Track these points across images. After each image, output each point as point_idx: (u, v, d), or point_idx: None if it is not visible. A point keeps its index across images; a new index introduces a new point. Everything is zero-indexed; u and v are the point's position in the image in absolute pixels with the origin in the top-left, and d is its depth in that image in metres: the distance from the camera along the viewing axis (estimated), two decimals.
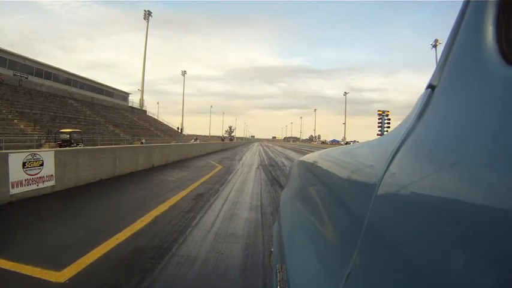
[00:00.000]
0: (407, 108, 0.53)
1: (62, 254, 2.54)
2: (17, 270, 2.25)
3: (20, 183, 4.47)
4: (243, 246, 2.88)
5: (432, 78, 0.41)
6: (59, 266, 2.31)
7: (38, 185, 4.79)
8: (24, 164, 4.57)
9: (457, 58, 0.37)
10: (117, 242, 2.86)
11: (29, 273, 2.21)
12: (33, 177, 4.70)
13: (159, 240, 2.94)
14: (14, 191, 4.35)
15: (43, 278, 2.16)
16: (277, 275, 0.76)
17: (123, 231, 3.14)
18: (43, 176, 4.90)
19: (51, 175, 5.08)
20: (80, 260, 2.42)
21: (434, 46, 35.98)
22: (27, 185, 4.59)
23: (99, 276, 2.21)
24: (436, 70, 0.41)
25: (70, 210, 4.16)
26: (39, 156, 4.83)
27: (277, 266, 0.80)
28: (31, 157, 4.68)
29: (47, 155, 5.05)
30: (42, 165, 4.87)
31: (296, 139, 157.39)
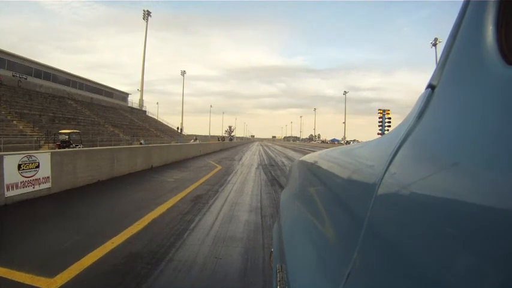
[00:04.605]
0: (407, 108, 0.52)
1: (56, 259, 2.47)
2: (8, 277, 2.18)
3: (15, 186, 4.39)
4: (242, 251, 2.80)
5: (432, 78, 0.41)
6: (52, 272, 2.23)
7: (34, 187, 4.71)
8: (19, 166, 4.49)
9: (457, 58, 0.36)
10: (113, 246, 2.79)
11: (20, 280, 2.14)
12: (29, 179, 4.63)
13: (155, 244, 2.86)
14: (9, 193, 4.27)
15: (35, 285, 2.09)
16: (277, 275, 0.75)
17: (119, 235, 3.07)
18: (39, 178, 4.82)
19: (48, 177, 5.00)
20: (73, 266, 2.35)
21: (434, 45, 35.88)
22: (23, 187, 4.52)
23: (92, 283, 2.14)
24: (436, 70, 0.41)
25: (66, 213, 4.08)
26: (34, 158, 4.75)
27: (277, 266, 0.80)
28: (27, 159, 4.61)
29: (43, 157, 4.97)
30: (38, 167, 4.79)
31: (296, 138, 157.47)
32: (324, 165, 0.85)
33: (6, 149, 12.55)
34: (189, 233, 3.23)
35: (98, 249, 2.69)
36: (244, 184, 6.80)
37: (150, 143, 21.07)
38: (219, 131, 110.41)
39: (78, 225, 3.42)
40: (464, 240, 0.23)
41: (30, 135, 18.42)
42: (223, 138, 70.50)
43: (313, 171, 0.95)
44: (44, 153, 5.11)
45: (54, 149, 13.46)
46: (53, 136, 17.94)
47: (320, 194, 0.78)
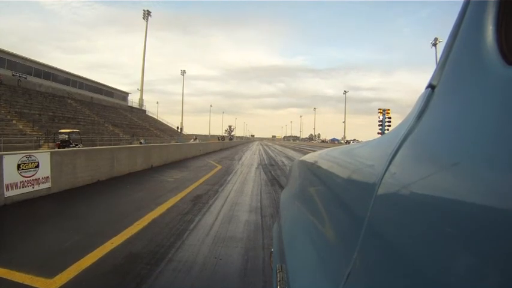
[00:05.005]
0: (407, 108, 0.53)
1: (55, 260, 2.46)
2: (7, 277, 2.18)
3: (15, 186, 4.39)
4: (242, 251, 2.80)
5: (432, 78, 0.41)
6: (51, 273, 2.23)
7: (33, 187, 4.71)
8: (19, 165, 4.48)
9: (457, 58, 0.36)
10: (112, 246, 2.78)
11: (19, 281, 2.14)
12: (29, 179, 4.62)
13: (155, 244, 2.86)
14: (8, 193, 4.27)
15: (33, 285, 2.09)
16: (277, 275, 0.75)
17: (119, 235, 3.06)
18: (39, 178, 4.81)
19: (47, 177, 5.00)
20: (73, 266, 2.34)
21: (434, 45, 35.82)
22: (22, 187, 4.51)
23: (92, 283, 2.13)
24: (436, 70, 0.41)
25: (65, 213, 4.08)
26: (34, 158, 4.74)
27: (277, 266, 0.80)
28: (26, 159, 4.60)
29: (43, 157, 4.96)
30: (37, 166, 4.79)
31: (296, 138, 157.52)
32: (324, 165, 0.85)
33: (5, 149, 12.54)
34: (189, 233, 3.23)
35: (97, 249, 2.68)
36: (244, 184, 6.79)
37: (150, 143, 21.06)
38: (219, 130, 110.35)
39: (77, 225, 3.41)
40: (464, 240, 0.23)
41: (30, 134, 18.40)
42: (223, 137, 70.36)
43: (313, 171, 0.95)
44: (43, 153, 5.11)
45: (54, 148, 13.44)
46: (52, 136, 17.93)
47: (320, 194, 0.79)
